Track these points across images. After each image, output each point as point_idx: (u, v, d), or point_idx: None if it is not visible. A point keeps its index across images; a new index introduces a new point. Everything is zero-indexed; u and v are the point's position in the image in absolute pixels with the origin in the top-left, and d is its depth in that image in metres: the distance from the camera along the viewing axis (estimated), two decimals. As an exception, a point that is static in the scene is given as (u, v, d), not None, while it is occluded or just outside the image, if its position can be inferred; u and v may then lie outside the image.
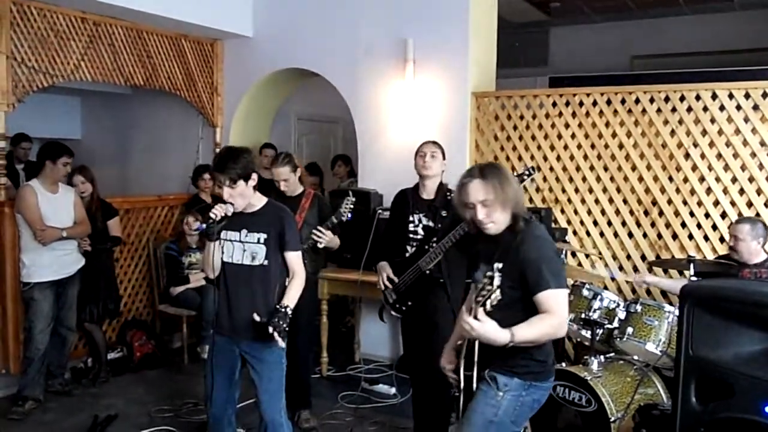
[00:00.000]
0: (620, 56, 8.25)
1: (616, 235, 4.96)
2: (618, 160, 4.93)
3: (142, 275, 6.06)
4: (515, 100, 5.31)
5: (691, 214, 4.72)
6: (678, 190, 4.75)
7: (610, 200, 4.97)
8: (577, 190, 5.08)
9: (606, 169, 4.98)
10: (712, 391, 2.53)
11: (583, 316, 4.07)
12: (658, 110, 4.79)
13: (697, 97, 4.67)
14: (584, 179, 5.05)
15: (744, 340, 2.57)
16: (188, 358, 5.66)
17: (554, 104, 5.14)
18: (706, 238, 4.67)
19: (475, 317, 2.28)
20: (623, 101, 4.90)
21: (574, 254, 5.04)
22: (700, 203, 4.69)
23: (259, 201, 3.30)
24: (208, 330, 5.16)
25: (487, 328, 2.29)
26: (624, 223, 4.93)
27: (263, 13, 6.31)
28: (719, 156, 4.62)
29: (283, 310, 3.14)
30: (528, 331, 2.39)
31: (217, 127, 6.66)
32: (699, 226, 4.70)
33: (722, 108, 4.60)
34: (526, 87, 6.45)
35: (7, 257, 4.91)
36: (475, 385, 2.60)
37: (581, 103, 5.03)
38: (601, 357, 3.98)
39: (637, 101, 4.86)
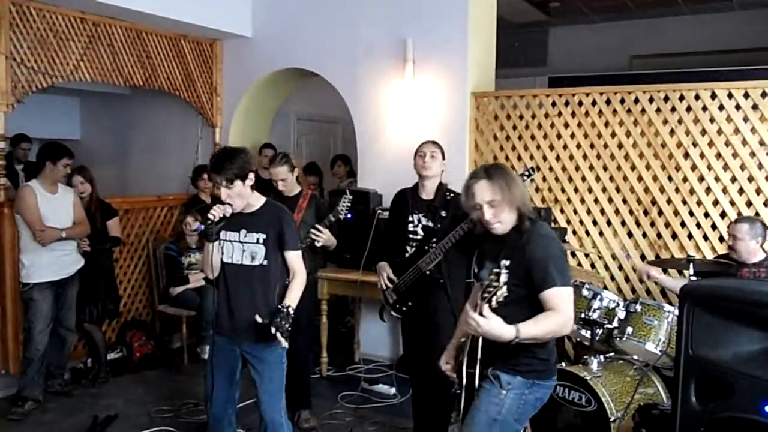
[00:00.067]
0: (619, 56, 8.26)
1: (615, 234, 4.96)
2: (617, 160, 4.93)
3: (141, 276, 6.06)
4: (514, 100, 5.31)
5: (691, 213, 4.72)
6: (677, 190, 4.76)
7: (610, 200, 4.97)
8: (576, 190, 5.08)
9: (605, 168, 4.98)
10: (712, 391, 2.54)
11: (582, 315, 4.07)
12: (658, 110, 4.79)
13: (696, 97, 4.67)
14: (583, 179, 5.05)
15: (743, 340, 2.57)
16: (188, 359, 5.66)
17: (553, 104, 5.14)
18: (705, 237, 4.68)
19: (481, 314, 2.30)
20: (622, 101, 4.90)
21: (573, 254, 5.05)
22: (699, 203, 4.69)
23: (258, 201, 3.30)
24: (207, 330, 5.17)
25: (492, 325, 2.32)
26: (623, 223, 4.93)
27: (262, 13, 6.31)
28: (718, 155, 4.62)
29: (285, 310, 3.13)
30: (533, 328, 2.41)
31: (216, 128, 6.66)
32: (698, 225, 4.70)
33: (721, 107, 4.60)
34: (525, 87, 6.46)
35: (6, 258, 4.91)
36: (477, 383, 2.61)
37: (580, 103, 5.03)
38: (601, 357, 3.98)
39: (637, 101, 4.86)
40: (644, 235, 4.85)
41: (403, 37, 5.48)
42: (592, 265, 5.04)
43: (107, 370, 5.25)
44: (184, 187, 6.61)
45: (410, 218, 3.95)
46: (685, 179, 4.73)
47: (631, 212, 4.90)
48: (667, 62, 7.73)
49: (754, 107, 4.50)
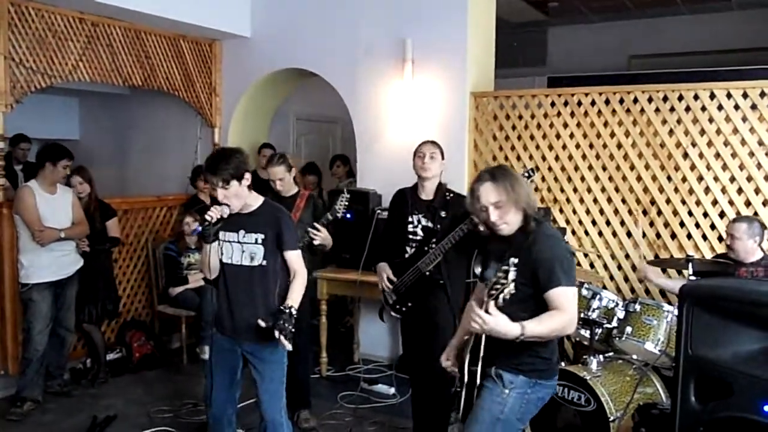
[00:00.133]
0: (618, 56, 8.26)
1: (614, 234, 4.96)
2: (616, 160, 4.93)
3: (140, 276, 6.06)
4: (514, 100, 5.31)
5: (690, 213, 4.72)
6: (676, 190, 4.76)
7: (609, 200, 4.97)
8: (575, 190, 5.09)
9: (604, 168, 4.98)
10: (711, 391, 2.54)
11: (582, 315, 4.07)
12: (656, 110, 4.80)
13: (695, 97, 4.67)
14: (582, 179, 5.05)
15: (742, 339, 2.57)
16: (187, 359, 5.66)
17: (552, 104, 5.14)
18: (704, 237, 4.68)
19: (486, 311, 2.32)
20: (621, 101, 4.91)
21: (572, 253, 5.03)
22: (698, 202, 4.69)
23: (256, 201, 3.29)
24: (207, 330, 5.16)
25: (498, 322, 2.34)
26: (623, 223, 4.93)
27: (261, 13, 6.31)
28: (717, 155, 4.62)
29: (287, 311, 3.12)
30: (538, 326, 2.43)
31: (215, 128, 6.66)
32: (697, 225, 4.70)
33: (720, 107, 4.60)
34: (524, 87, 6.46)
35: (5, 258, 4.91)
36: (478, 381, 2.63)
37: (579, 103, 5.04)
38: (600, 356, 3.98)
39: (635, 101, 4.86)
40: (643, 234, 4.85)
41: (402, 37, 5.48)
42: (591, 265, 5.05)
43: (106, 371, 5.25)
44: (184, 188, 6.61)
45: (410, 219, 3.95)
46: (683, 179, 4.74)
47: (630, 212, 4.90)
48: (666, 62, 7.73)
49: (753, 107, 4.50)
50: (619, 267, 4.96)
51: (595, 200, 5.02)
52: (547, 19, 8.44)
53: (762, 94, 4.47)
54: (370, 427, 4.47)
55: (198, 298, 5.50)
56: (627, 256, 4.92)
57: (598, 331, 4.11)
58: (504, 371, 2.62)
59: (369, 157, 5.81)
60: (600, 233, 5.01)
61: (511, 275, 2.28)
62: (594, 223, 5.03)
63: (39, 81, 5.22)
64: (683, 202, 4.74)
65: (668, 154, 4.78)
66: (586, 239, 5.05)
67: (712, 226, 4.65)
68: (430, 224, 3.88)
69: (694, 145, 4.69)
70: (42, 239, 4.53)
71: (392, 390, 5.03)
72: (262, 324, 3.11)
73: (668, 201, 4.78)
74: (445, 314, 3.81)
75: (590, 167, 5.03)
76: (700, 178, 4.68)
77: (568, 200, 5.11)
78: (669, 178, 4.78)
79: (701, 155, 4.67)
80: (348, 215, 4.59)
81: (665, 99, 4.77)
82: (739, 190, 4.56)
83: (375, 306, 4.49)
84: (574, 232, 5.08)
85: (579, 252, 5.04)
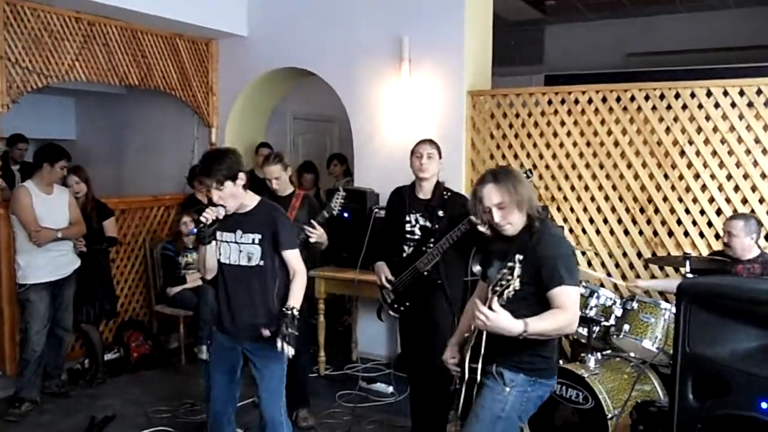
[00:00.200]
0: (615, 54, 8.27)
1: (612, 232, 4.97)
2: (613, 158, 4.94)
3: (138, 276, 6.05)
4: (511, 99, 5.31)
5: (687, 211, 4.73)
6: (673, 188, 4.76)
7: (606, 198, 4.98)
8: (573, 188, 5.09)
9: (602, 166, 4.98)
10: (709, 388, 2.54)
11: (579, 313, 4.07)
12: (654, 108, 4.80)
13: (692, 95, 4.68)
14: (580, 177, 5.05)
15: (740, 337, 2.58)
16: (185, 359, 5.65)
17: (550, 102, 5.14)
18: (701, 235, 4.69)
19: (490, 307, 2.35)
20: (618, 99, 4.91)
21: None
22: (695, 200, 4.70)
23: (252, 201, 3.27)
24: (204, 330, 5.17)
25: (501, 318, 2.37)
26: (620, 221, 4.94)
27: (258, 12, 6.30)
28: (714, 153, 4.63)
29: (289, 312, 3.10)
30: (541, 324, 2.46)
31: (212, 127, 6.65)
32: (694, 223, 4.71)
33: (717, 105, 4.61)
34: (521, 85, 6.47)
35: (2, 259, 4.90)
36: (479, 378, 2.65)
37: (576, 101, 5.04)
38: (598, 354, 3.99)
39: (633, 99, 4.86)
40: (641, 232, 4.86)
41: (399, 36, 5.48)
42: (589, 263, 5.05)
43: (104, 371, 5.24)
44: (181, 187, 6.61)
45: (407, 218, 3.93)
46: (681, 177, 4.74)
47: (627, 210, 4.90)
48: (663, 60, 7.74)
49: (750, 105, 4.51)
50: (617, 265, 4.96)
51: (593, 198, 5.02)
52: (544, 17, 8.44)
53: (758, 92, 4.48)
54: (369, 426, 4.47)
55: (196, 298, 5.49)
56: (624, 254, 4.93)
57: (596, 328, 4.12)
58: (505, 369, 2.64)
59: (366, 156, 5.81)
60: (597, 231, 5.02)
61: (517, 271, 2.31)
62: (591, 221, 5.03)
63: (35, 81, 5.21)
64: (680, 199, 4.74)
65: (665, 152, 4.78)
66: (584, 237, 5.05)
67: (709, 224, 4.66)
68: (428, 224, 3.87)
69: (690, 143, 4.70)
70: (39, 239, 4.52)
71: (390, 389, 5.02)
72: (266, 333, 3.11)
73: (665, 199, 4.79)
74: (443, 313, 3.81)
75: (587, 165, 5.03)
76: (697, 176, 4.69)
77: (565, 198, 5.11)
78: (666, 176, 4.78)
79: (698, 153, 4.67)
80: (346, 214, 4.59)
81: (662, 97, 4.77)
82: (736, 188, 4.57)
83: (373, 305, 4.49)
84: (571, 231, 5.08)
85: (576, 250, 5.04)
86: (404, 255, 3.93)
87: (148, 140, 7.28)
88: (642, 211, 4.87)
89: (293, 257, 3.26)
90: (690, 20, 7.93)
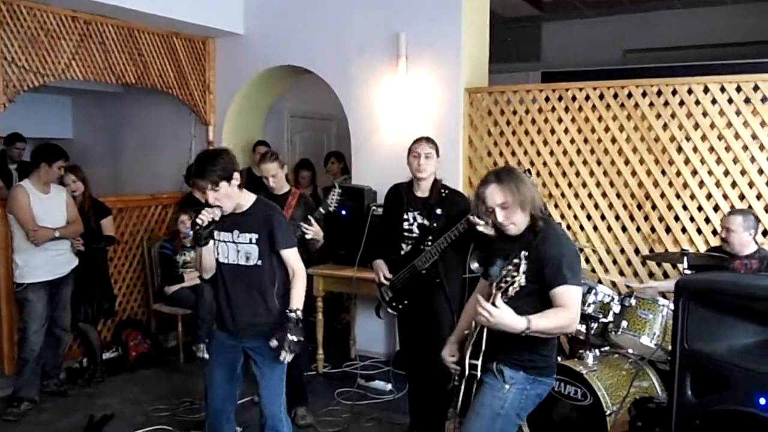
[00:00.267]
0: (612, 51, 8.26)
1: (609, 229, 4.97)
2: (611, 155, 4.94)
3: (136, 274, 6.05)
4: (508, 96, 5.31)
5: (684, 207, 4.73)
6: (671, 184, 4.77)
7: (604, 194, 4.98)
8: (570, 185, 5.09)
9: (599, 163, 4.99)
10: (707, 384, 2.54)
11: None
12: (651, 104, 4.80)
13: (689, 91, 4.68)
14: (577, 174, 5.06)
15: (738, 333, 2.58)
16: (184, 357, 5.66)
17: (547, 99, 5.14)
18: (698, 231, 4.69)
19: (493, 304, 2.36)
20: (615, 95, 4.91)
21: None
22: (692, 196, 4.70)
23: (248, 200, 3.26)
24: (203, 328, 5.17)
25: (504, 315, 2.38)
26: (617, 218, 4.94)
27: (255, 10, 6.29)
28: (711, 149, 4.63)
29: (293, 315, 3.13)
30: (543, 321, 2.47)
31: (209, 125, 6.64)
32: (692, 219, 4.71)
33: (714, 101, 4.61)
34: (518, 82, 6.46)
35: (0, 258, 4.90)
36: (479, 375, 2.66)
37: (574, 98, 5.04)
38: (596, 351, 3.99)
39: (630, 95, 4.87)
40: (638, 229, 4.87)
41: (396, 33, 5.47)
42: (587, 260, 5.05)
43: (103, 370, 5.24)
44: (178, 186, 6.60)
45: (405, 216, 3.93)
46: (678, 173, 4.74)
47: (624, 206, 4.91)
48: (660, 56, 7.74)
49: (747, 101, 4.51)
50: (615, 261, 4.97)
51: (590, 195, 5.02)
52: (540, 14, 8.43)
53: (755, 88, 4.48)
54: (367, 424, 4.47)
55: (194, 296, 5.49)
56: (622, 251, 4.93)
57: (594, 325, 4.12)
58: (505, 367, 2.65)
59: (364, 153, 5.81)
60: (595, 228, 5.02)
61: (523, 267, 2.34)
62: (589, 218, 5.04)
63: (32, 80, 5.20)
64: (678, 196, 4.75)
65: (662, 148, 4.78)
66: (581, 234, 5.05)
67: (707, 220, 4.66)
68: (425, 222, 3.87)
69: (688, 139, 4.70)
70: (36, 239, 4.52)
71: (389, 386, 5.03)
72: (273, 344, 3.12)
73: (663, 195, 4.79)
74: (442, 310, 3.81)
75: (585, 162, 5.03)
76: (695, 172, 4.69)
77: (562, 195, 5.11)
78: (663, 173, 4.79)
79: (695, 149, 4.68)
80: (343, 211, 4.59)
81: (659, 93, 4.77)
82: (733, 184, 4.57)
83: (371, 302, 4.50)
84: (569, 227, 5.08)
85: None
86: (402, 253, 3.93)
87: (146, 139, 7.27)
88: (639, 207, 4.87)
89: (291, 256, 3.26)
90: (687, 16, 7.92)
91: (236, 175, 3.15)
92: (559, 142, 5.11)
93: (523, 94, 5.27)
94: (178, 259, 5.72)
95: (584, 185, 5.04)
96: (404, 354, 4.33)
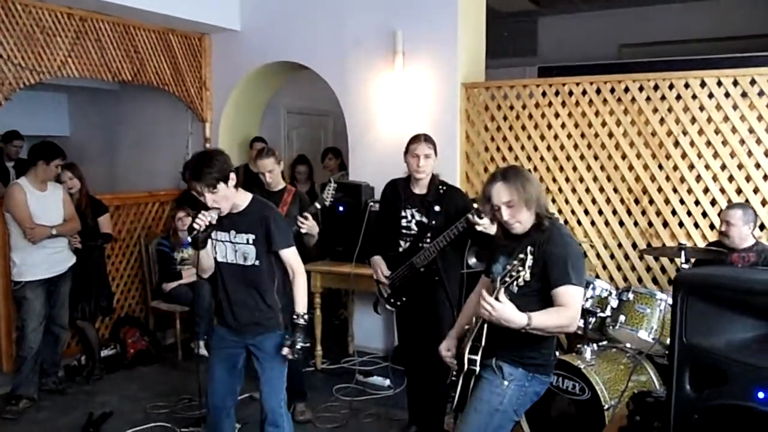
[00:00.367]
0: (609, 45, 8.26)
1: (607, 224, 4.97)
2: (608, 149, 4.94)
3: (134, 272, 6.04)
4: (505, 91, 5.31)
5: (681, 201, 4.74)
6: (668, 178, 4.77)
7: (601, 189, 4.98)
8: (567, 180, 5.09)
9: (596, 158, 4.99)
10: (706, 378, 2.55)
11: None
12: (648, 99, 4.80)
13: (686, 85, 4.68)
14: (574, 168, 5.06)
15: (736, 327, 2.58)
16: (182, 354, 5.65)
17: (543, 94, 5.14)
18: (696, 225, 4.70)
19: (497, 298, 2.39)
20: (612, 90, 4.91)
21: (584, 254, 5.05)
22: (690, 191, 4.71)
23: (244, 200, 3.24)
24: (201, 325, 5.17)
25: (507, 310, 2.41)
26: (615, 212, 4.94)
27: (251, 6, 6.28)
28: (708, 143, 4.63)
29: (300, 320, 3.19)
30: (544, 319, 2.49)
31: (206, 122, 6.63)
32: (689, 213, 4.72)
33: (711, 96, 4.61)
34: (515, 77, 6.45)
35: (-3, 256, 4.89)
36: (477, 370, 2.67)
37: (570, 93, 5.04)
38: (594, 345, 4.00)
39: (627, 90, 4.86)
40: (636, 223, 4.87)
41: (392, 29, 5.46)
42: (584, 255, 5.05)
43: (101, 367, 5.24)
44: (175, 183, 6.59)
45: (403, 213, 3.91)
46: (675, 167, 4.75)
47: (622, 201, 4.91)
48: (657, 51, 7.73)
49: (744, 95, 4.51)
50: (612, 256, 4.98)
51: (587, 190, 5.03)
52: (537, 8, 8.42)
53: (752, 82, 4.48)
54: (366, 419, 4.48)
55: (192, 293, 5.49)
56: (619, 245, 4.94)
57: (592, 320, 4.12)
58: (504, 363, 2.67)
59: (361, 149, 5.80)
60: (592, 222, 5.02)
61: (529, 262, 2.36)
62: (586, 212, 5.04)
63: (27, 77, 5.18)
64: (675, 190, 4.75)
65: (659, 142, 4.78)
66: (579, 229, 5.06)
67: (704, 214, 4.67)
68: (424, 219, 3.85)
69: (685, 133, 4.70)
70: (33, 237, 4.51)
71: (387, 382, 5.04)
72: (285, 351, 3.16)
73: (660, 189, 4.79)
74: (442, 305, 3.81)
75: (582, 157, 5.03)
76: (692, 167, 4.70)
77: (560, 190, 5.11)
78: (660, 167, 4.79)
79: (692, 143, 4.68)
80: (341, 207, 4.58)
81: (656, 88, 4.77)
82: (730, 178, 4.58)
83: (369, 298, 4.50)
84: (566, 222, 5.08)
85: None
86: (400, 250, 3.92)
87: (142, 136, 7.25)
88: (637, 202, 4.87)
89: (291, 256, 3.26)
90: (683, 10, 7.92)
91: (232, 175, 3.14)
92: (555, 136, 5.10)
93: (519, 89, 5.26)
94: (175, 256, 5.71)
95: (581, 180, 5.04)
96: (403, 349, 4.33)
